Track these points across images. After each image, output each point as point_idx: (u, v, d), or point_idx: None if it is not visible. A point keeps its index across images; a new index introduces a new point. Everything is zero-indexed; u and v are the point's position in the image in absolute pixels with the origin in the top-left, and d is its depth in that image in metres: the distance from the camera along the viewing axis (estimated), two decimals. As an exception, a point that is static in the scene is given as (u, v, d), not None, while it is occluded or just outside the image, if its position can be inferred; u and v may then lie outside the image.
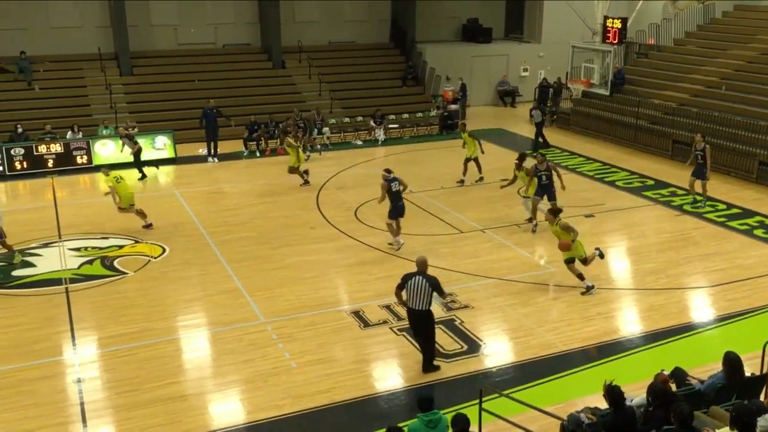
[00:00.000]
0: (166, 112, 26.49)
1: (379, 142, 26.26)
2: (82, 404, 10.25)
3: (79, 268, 15.04)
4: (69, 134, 23.49)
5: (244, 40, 30.69)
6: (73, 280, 14.40)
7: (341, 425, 9.84)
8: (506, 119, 30.50)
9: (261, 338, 12.03)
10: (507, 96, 33.51)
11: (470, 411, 8.33)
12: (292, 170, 20.83)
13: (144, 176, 21.78)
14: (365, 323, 12.50)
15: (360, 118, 27.64)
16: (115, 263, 15.26)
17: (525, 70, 34.04)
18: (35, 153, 22.31)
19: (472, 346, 11.74)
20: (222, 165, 23.23)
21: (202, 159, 23.79)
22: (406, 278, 10.63)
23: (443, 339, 11.82)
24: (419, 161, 23.66)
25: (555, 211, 13.80)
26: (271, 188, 20.68)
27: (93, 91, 26.89)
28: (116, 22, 27.40)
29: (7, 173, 21.99)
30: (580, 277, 13.48)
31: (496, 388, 9.97)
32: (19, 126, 23.31)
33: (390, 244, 15.91)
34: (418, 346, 11.28)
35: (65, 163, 22.65)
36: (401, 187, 15.83)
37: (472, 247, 16.05)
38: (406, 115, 28.27)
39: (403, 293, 10.74)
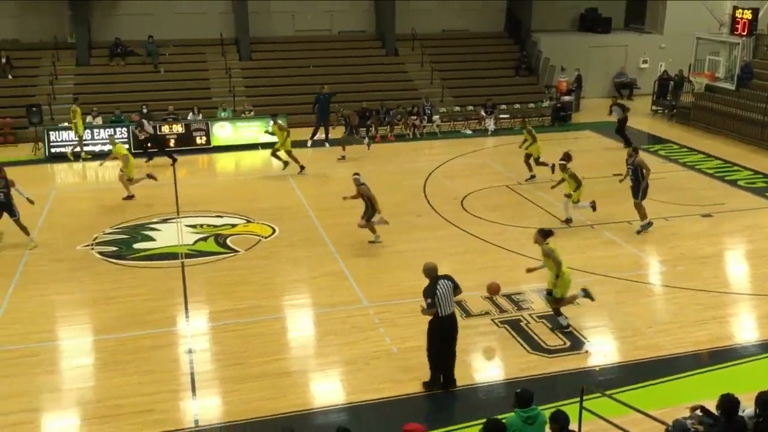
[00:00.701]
0: (281, 97, 27.16)
1: (489, 132, 26.00)
2: (192, 374, 10.74)
3: (194, 244, 15.71)
4: (190, 116, 24.54)
5: (359, 27, 31.03)
6: (188, 256, 15.05)
7: (439, 413, 9.87)
8: (622, 112, 29.48)
9: (363, 322, 12.21)
10: (624, 88, 32.39)
11: (570, 409, 8.17)
12: (274, 153, 21.15)
13: (150, 159, 22.24)
14: (467, 313, 12.46)
15: (470, 108, 27.45)
16: (228, 241, 15.83)
17: (644, 61, 32.80)
18: (158, 132, 23.41)
19: (575, 343, 11.49)
20: (332, 150, 23.62)
21: (316, 143, 24.27)
22: (434, 287, 9.91)
23: (546, 334, 11.63)
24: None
25: (544, 233, 11.80)
26: (380, 175, 20.85)
27: (213, 74, 27.92)
28: (238, 8, 28.31)
29: (133, 151, 23.17)
30: (556, 311, 11.93)
31: (599, 387, 9.73)
32: (144, 106, 24.53)
33: (371, 241, 15.51)
34: (433, 360, 10.32)
35: (185, 143, 23.65)
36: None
37: (578, 242, 15.67)
38: (517, 106, 27.85)
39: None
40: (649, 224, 16.09)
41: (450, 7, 31.53)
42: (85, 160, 22.57)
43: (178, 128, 23.73)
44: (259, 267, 14.51)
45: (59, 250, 15.31)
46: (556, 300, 11.78)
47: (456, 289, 10.17)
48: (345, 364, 10.96)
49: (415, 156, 23.18)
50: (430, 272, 10.14)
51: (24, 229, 15.44)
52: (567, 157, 16.47)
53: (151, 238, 16.05)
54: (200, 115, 24.74)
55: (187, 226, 16.74)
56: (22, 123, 24.11)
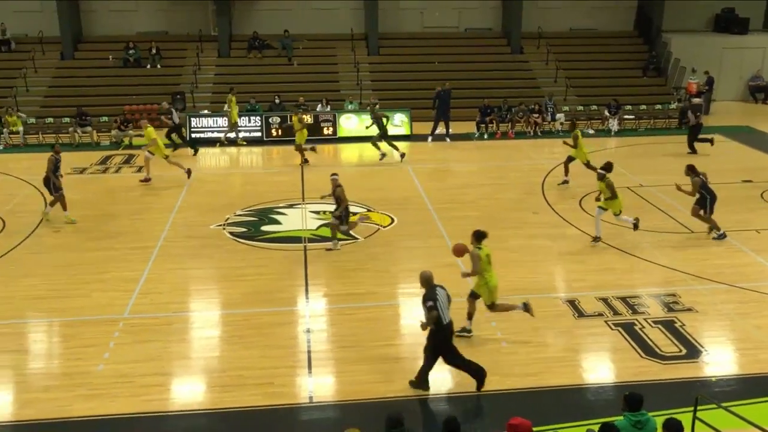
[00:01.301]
0: (406, 91, 27.34)
1: (612, 133, 25.16)
2: (309, 352, 11.05)
3: (317, 229, 16.12)
4: (319, 107, 25.15)
5: (486, 25, 30.73)
6: (311, 240, 15.47)
7: (545, 410, 9.69)
8: (755, 117, 27.77)
9: (475, 314, 12.13)
10: (759, 92, 30.48)
11: (683, 418, 7.82)
12: (298, 148, 21.07)
13: (176, 147, 22.41)
14: (580, 313, 12.15)
15: (594, 107, 26.63)
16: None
17: (784, 65, 30.73)
18: (289, 122, 24.13)
19: (692, 352, 10.97)
20: (453, 145, 23.57)
21: (436, 138, 24.29)
22: (433, 295, 9.58)
23: (661, 340, 11.18)
24: (652, 154, 22.35)
25: (478, 234, 11.11)
26: (498, 171, 20.67)
27: (342, 68, 28.47)
28: (369, 4, 28.70)
29: (265, 139, 24.07)
30: (469, 315, 11.32)
31: (714, 398, 9.25)
32: (277, 97, 25.35)
33: (328, 249, 14.83)
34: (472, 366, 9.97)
35: (313, 133, 24.22)
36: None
37: (702, 248, 14.92)
38: (643, 107, 26.77)
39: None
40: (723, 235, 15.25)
41: (578, 6, 30.67)
42: (240, 145, 23.48)
43: (308, 118, 24.37)
44: (377, 255, 14.72)
45: (195, 228, 16.11)
46: (488, 306, 11.23)
47: (448, 298, 9.89)
48: (454, 355, 10.93)
49: (534, 153, 22.77)
50: (427, 281, 9.84)
51: (52, 203, 16.53)
52: (608, 166, 15.12)
53: (277, 222, 16.60)
54: (328, 106, 25.32)
55: (311, 212, 17.19)
56: (168, 109, 25.47)
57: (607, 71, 29.10)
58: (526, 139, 24.71)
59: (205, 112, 24.98)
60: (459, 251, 11.20)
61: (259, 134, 24.15)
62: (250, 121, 24.22)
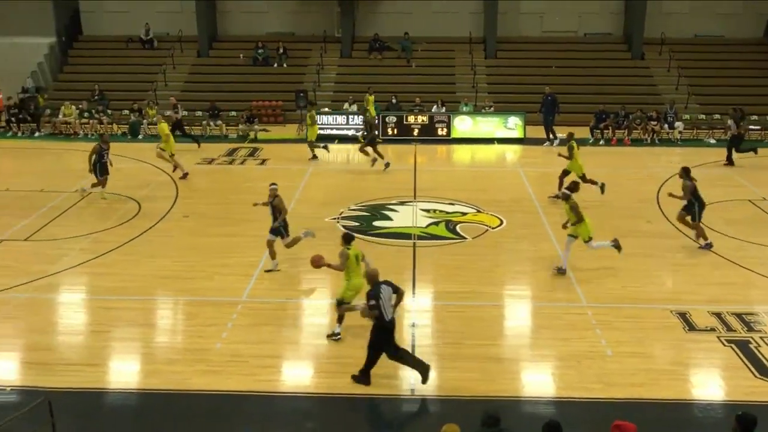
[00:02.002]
0: (521, 95, 26.91)
1: (735, 143, 23.74)
2: (413, 346, 11.08)
3: (426, 227, 16.15)
4: (434, 108, 25.18)
5: (606, 30, 29.78)
6: (420, 237, 15.52)
7: (650, 422, 9.28)
8: None
9: (580, 320, 11.82)
10: None
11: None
12: (310, 144, 21.01)
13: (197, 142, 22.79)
14: (690, 327, 11.57)
15: (717, 116, 25.25)
16: (458, 228, 16.07)
17: None
18: (404, 122, 24.34)
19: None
20: (564, 149, 22.97)
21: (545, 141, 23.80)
22: (377, 293, 9.55)
23: (777, 360, 10.48)
24: (779, 167, 20.96)
25: (347, 237, 11.32)
26: (612, 178, 19.95)
27: (459, 71, 28.36)
28: (488, 8, 28.45)
29: (380, 137, 24.33)
30: (339, 319, 11.01)
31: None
32: (394, 97, 25.57)
33: (268, 270, 13.66)
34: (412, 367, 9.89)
35: (427, 134, 24.33)
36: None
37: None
38: (770, 117, 25.16)
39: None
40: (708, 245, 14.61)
41: (705, 11, 29.17)
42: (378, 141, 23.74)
43: (423, 119, 24.47)
44: (484, 255, 14.58)
45: (310, 220, 16.48)
46: (336, 301, 11.08)
47: (397, 292, 9.81)
48: (557, 359, 10.70)
49: (651, 161, 21.86)
50: (372, 278, 9.84)
51: (94, 185, 17.61)
52: (573, 186, 13.92)
53: (389, 218, 16.76)
54: (443, 108, 25.30)
55: (421, 210, 17.24)
56: (291, 106, 26.25)
57: (733, 79, 27.52)
58: (642, 146, 23.77)
59: (326, 109, 25.54)
60: (315, 262, 11.24)
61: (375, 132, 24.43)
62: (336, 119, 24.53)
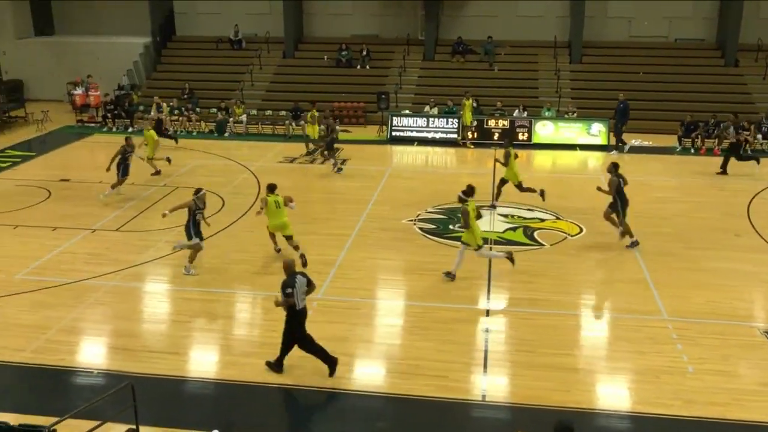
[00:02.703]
0: (605, 101, 26.23)
1: (835, 156, 22.48)
2: (486, 351, 10.99)
3: (503, 232, 15.97)
4: (516, 112, 24.86)
5: (698, 36, 28.70)
6: (497, 242, 15.35)
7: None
8: None
9: (660, 334, 11.43)
10: None
11: None
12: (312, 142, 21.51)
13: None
14: (778, 346, 11.02)
15: (816, 127, 23.93)
16: (535, 234, 15.82)
17: None
18: (485, 126, 24.14)
19: None
20: (653, 158, 22.31)
21: (634, 149, 23.13)
22: (292, 282, 9.98)
23: None
24: None
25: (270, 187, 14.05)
26: (699, 188, 19.26)
27: (542, 75, 27.92)
28: (575, 12, 27.90)
29: (460, 141, 24.21)
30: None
31: None
32: (475, 101, 25.37)
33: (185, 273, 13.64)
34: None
35: (508, 138, 24.02)
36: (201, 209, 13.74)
37: None
38: None
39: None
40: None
41: (807, 17, 27.72)
42: (467, 147, 23.67)
43: (504, 123, 24.21)
44: (561, 263, 14.30)
45: (388, 221, 16.59)
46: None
47: (309, 284, 10.22)
48: (634, 373, 10.39)
49: (742, 173, 20.93)
50: (288, 268, 10.22)
51: (113, 186, 17.80)
52: (469, 190, 13.43)
53: (465, 222, 16.63)
54: (525, 112, 24.95)
55: (499, 215, 17.05)
56: (372, 108, 26.45)
57: (834, 89, 26.05)
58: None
59: (406, 112, 25.61)
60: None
61: (455, 136, 24.36)
62: (447, 122, 24.49)
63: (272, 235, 14.44)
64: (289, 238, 14.02)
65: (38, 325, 11.64)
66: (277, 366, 10.37)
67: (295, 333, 10.19)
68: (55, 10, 32.27)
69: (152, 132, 20.21)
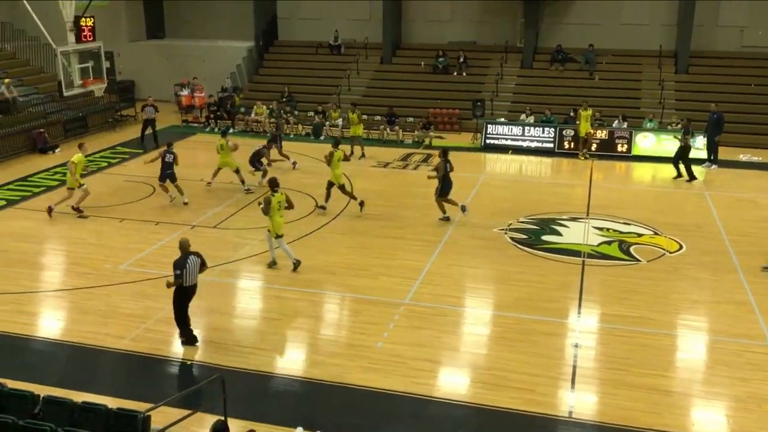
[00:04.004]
0: (707, 113, 25.09)
1: None
2: (574, 367, 10.71)
3: (597, 245, 15.53)
4: (615, 123, 24.14)
5: (818, 46, 27.05)
6: (590, 256, 14.95)
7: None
8: None
9: (763, 360, 10.82)
10: None
11: None
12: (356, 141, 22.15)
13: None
14: None
15: None
16: (631, 249, 15.30)
17: None
18: (581, 136, 23.53)
19: None
20: (763, 174, 21.17)
21: (742, 165, 22.05)
22: (184, 261, 10.80)
23: None
24: None
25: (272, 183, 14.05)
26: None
27: (645, 85, 27.00)
28: (683, 21, 26.84)
29: (556, 150, 23.74)
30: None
31: None
32: (572, 110, 24.82)
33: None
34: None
35: (606, 149, 23.38)
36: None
37: None
38: None
39: None
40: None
41: None
42: (584, 158, 23.05)
43: (602, 134, 23.56)
44: (658, 280, 13.76)
45: (478, 229, 16.44)
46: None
47: (203, 265, 11.13)
48: (733, 400, 9.87)
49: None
50: (182, 248, 10.97)
51: (163, 189, 18.06)
52: (272, 181, 14.04)
53: (558, 233, 16.30)
54: (625, 123, 24.19)
55: (594, 227, 16.60)
56: (467, 115, 26.31)
57: None
58: None
59: (502, 120, 25.33)
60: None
61: (551, 145, 23.90)
62: (543, 132, 24.06)
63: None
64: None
65: (139, 314, 12.20)
66: (187, 338, 11.24)
67: (177, 305, 11.06)
68: (167, 14, 33.81)
69: (82, 157, 18.18)
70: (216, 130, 26.73)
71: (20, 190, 19.41)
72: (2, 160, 22.03)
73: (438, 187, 16.57)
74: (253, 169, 19.56)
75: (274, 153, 21.39)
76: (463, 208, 16.75)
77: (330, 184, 17.40)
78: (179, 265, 10.85)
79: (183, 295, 11.04)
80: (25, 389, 8.42)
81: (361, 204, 17.22)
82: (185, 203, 17.91)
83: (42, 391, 8.63)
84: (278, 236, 13.86)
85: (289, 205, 13.97)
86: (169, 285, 10.97)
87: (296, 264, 13.95)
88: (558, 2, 28.58)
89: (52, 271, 14.50)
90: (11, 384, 8.86)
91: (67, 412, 7.92)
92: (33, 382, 9.59)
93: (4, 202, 18.30)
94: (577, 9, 28.62)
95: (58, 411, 7.95)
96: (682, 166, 20.59)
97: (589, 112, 23.16)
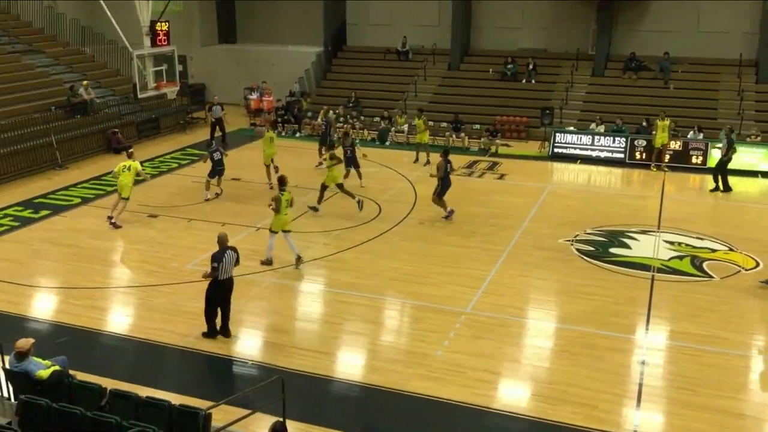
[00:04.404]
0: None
1: None
2: (640, 385, 10.43)
3: (668, 260, 15.10)
4: (690, 134, 23.44)
5: None
6: (660, 270, 14.54)
7: None
8: None
9: None
10: None
11: None
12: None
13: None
14: None
15: None
16: (704, 265, 14.82)
17: None
18: (655, 146, 22.94)
19: None
20: None
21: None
22: (221, 256, 11.20)
23: None
24: None
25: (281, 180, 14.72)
26: None
27: (723, 95, 26.12)
28: (766, 29, 25.87)
29: (627, 161, 23.21)
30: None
31: None
32: (645, 120, 24.23)
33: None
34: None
35: (680, 161, 22.73)
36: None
37: None
38: None
39: None
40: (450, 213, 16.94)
41: None
42: (660, 170, 22.44)
43: (676, 145, 22.91)
44: (732, 298, 13.28)
45: (544, 239, 16.21)
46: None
47: (238, 260, 11.55)
48: (811, 427, 9.44)
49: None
50: (222, 242, 11.39)
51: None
52: (280, 180, 14.73)
53: (627, 246, 15.92)
54: (701, 134, 23.45)
55: (665, 241, 16.14)
56: (535, 123, 25.99)
57: None
58: None
59: (571, 128, 24.92)
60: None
61: (621, 156, 23.38)
62: (614, 141, 23.56)
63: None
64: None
65: (203, 313, 12.46)
66: (210, 332, 11.62)
67: (212, 298, 11.47)
68: (239, 20, 34.58)
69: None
70: (284, 134, 27.20)
71: (94, 188, 20.15)
72: (79, 159, 22.92)
73: (437, 187, 17.20)
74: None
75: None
76: (450, 213, 17.25)
77: (324, 187, 18.00)
78: (216, 258, 11.26)
79: (216, 287, 11.41)
80: (93, 382, 8.72)
81: (359, 203, 17.65)
82: (206, 199, 18.73)
83: (109, 384, 8.92)
84: (285, 231, 14.47)
85: (291, 204, 14.81)
86: (205, 276, 11.43)
87: (298, 260, 14.45)
88: (633, 9, 27.96)
89: (122, 268, 15.00)
90: (80, 376, 9.20)
91: (132, 406, 8.16)
92: (101, 375, 9.93)
93: (78, 200, 19.04)
94: (653, 16, 27.92)
95: (124, 404, 8.19)
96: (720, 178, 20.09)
97: (667, 122, 22.54)
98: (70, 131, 23.18)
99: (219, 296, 11.52)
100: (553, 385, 10.37)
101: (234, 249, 11.57)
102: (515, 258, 15.15)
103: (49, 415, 7.78)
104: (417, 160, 22.75)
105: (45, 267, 14.78)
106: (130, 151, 18.07)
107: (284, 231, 14.43)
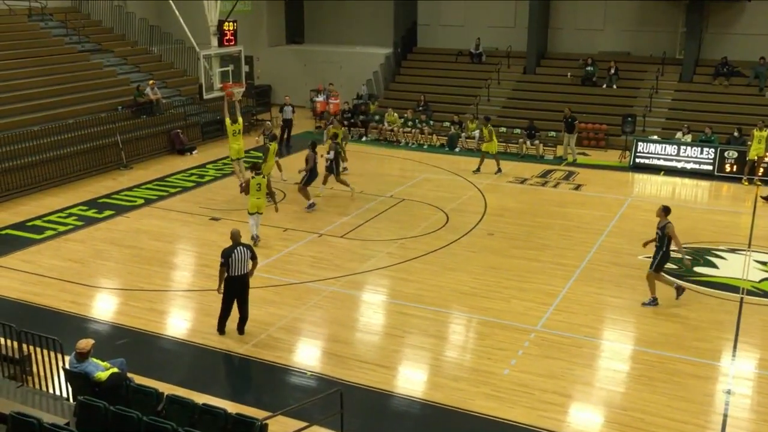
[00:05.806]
0: None
1: None
2: (725, 416, 10.05)
3: (760, 282, 14.53)
4: (786, 145, 22.52)
5: None
6: (750, 293, 14.01)
7: None
8: None
9: None
10: None
11: None
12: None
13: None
14: None
15: None
16: (800, 288, 14.21)
17: None
18: (747, 158, 22.16)
19: None
20: None
21: None
22: (230, 252, 11.50)
23: None
24: None
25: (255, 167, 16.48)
26: None
27: (826, 104, 25.05)
28: None
29: (716, 173, 22.48)
30: None
31: None
32: (737, 130, 23.44)
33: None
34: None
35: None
36: None
37: None
38: None
39: None
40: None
41: None
42: (753, 185, 21.62)
43: (771, 157, 22.06)
44: (831, 326, 12.66)
45: (621, 255, 15.83)
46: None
47: (253, 258, 11.77)
48: None
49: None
50: (234, 238, 11.80)
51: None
52: (254, 166, 16.61)
53: (714, 265, 15.40)
54: (794, 145, 22.50)
55: (756, 261, 15.54)
56: (616, 131, 25.46)
57: None
58: None
59: (654, 137, 24.30)
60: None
61: (710, 167, 22.66)
62: (702, 152, 22.86)
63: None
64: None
65: (262, 320, 12.66)
66: (220, 328, 12.08)
67: (228, 296, 11.80)
68: (307, 20, 35.14)
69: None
70: (350, 137, 27.41)
71: (158, 189, 20.75)
72: (143, 160, 23.66)
73: (304, 177, 18.43)
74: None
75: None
76: (311, 206, 18.43)
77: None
78: (225, 254, 11.61)
79: (229, 284, 11.72)
80: (150, 386, 8.95)
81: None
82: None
83: (165, 388, 9.14)
84: (251, 213, 15.96)
85: (270, 192, 16.66)
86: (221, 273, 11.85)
87: (255, 239, 15.78)
88: (725, 11, 27.12)
89: (181, 271, 15.38)
90: (138, 379, 9.46)
91: (188, 413, 8.34)
92: (158, 380, 10.19)
93: (142, 201, 19.64)
94: (747, 18, 27.01)
95: (180, 410, 8.38)
96: None
97: (765, 133, 21.72)
98: (136, 131, 23.98)
99: (231, 293, 11.83)
100: (629, 412, 10.10)
101: (247, 246, 11.91)
102: (590, 274, 14.84)
103: (106, 418, 8.02)
104: (478, 170, 22.45)
105: (106, 268, 15.28)
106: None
107: (258, 213, 16.00)
